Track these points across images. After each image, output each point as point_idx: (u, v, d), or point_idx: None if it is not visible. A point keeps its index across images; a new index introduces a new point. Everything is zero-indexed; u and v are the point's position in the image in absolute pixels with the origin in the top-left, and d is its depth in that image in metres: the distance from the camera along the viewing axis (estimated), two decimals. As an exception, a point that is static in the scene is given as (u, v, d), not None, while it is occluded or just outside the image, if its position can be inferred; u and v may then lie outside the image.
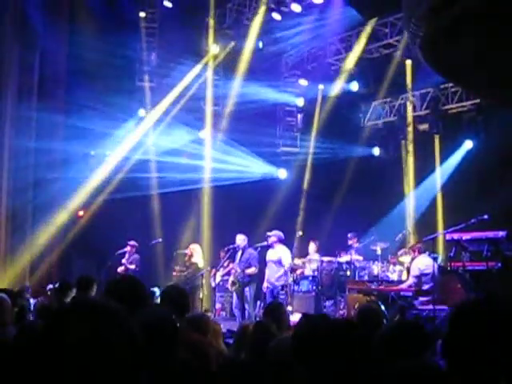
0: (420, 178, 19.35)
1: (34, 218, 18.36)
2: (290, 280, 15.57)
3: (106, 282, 5.34)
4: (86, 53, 17.90)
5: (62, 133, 18.30)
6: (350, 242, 17.36)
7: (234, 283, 15.42)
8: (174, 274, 17.05)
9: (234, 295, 15.55)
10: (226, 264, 16.81)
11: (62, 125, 18.20)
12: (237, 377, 4.08)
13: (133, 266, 17.09)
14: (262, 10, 18.74)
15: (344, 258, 17.03)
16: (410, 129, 19.62)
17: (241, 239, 15.55)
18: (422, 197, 19.23)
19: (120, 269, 17.05)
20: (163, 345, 3.76)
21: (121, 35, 18.45)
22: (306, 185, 20.75)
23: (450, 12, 6.75)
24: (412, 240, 17.21)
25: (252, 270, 15.16)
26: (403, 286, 13.29)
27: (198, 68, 20.34)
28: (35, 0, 17.79)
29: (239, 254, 15.50)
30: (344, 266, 17.04)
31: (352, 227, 17.84)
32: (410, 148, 19.86)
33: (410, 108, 19.49)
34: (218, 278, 17.29)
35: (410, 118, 19.57)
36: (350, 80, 19.74)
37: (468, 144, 18.36)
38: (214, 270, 17.16)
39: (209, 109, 20.66)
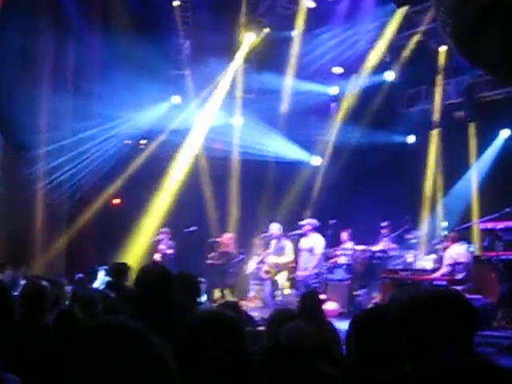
0: (454, 167, 19.14)
1: (71, 205, 18.54)
2: (324, 268, 15.55)
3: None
4: (120, 41, 17.96)
5: (97, 121, 18.43)
6: (383, 231, 17.30)
7: (267, 272, 15.46)
8: (208, 262, 17.10)
9: (268, 283, 15.58)
10: (260, 252, 16.87)
11: (96, 113, 18.30)
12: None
13: (171, 251, 17.22)
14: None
15: (378, 247, 16.99)
16: (438, 116, 19.45)
17: (275, 228, 15.57)
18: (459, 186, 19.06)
19: (156, 255, 17.18)
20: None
21: (154, 24, 18.58)
22: (338, 172, 20.62)
23: (478, 2, 6.69)
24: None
25: (285, 260, 15.18)
26: (436, 274, 13.24)
27: (231, 56, 20.40)
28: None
29: (273, 242, 15.52)
30: (377, 255, 17.00)
31: (385, 216, 17.78)
32: (434, 137, 19.71)
33: (438, 95, 19.28)
34: (253, 266, 17.35)
35: (437, 106, 19.37)
36: (384, 68, 19.64)
37: (505, 133, 18.17)
38: (247, 259, 17.25)
39: (239, 95, 20.70)
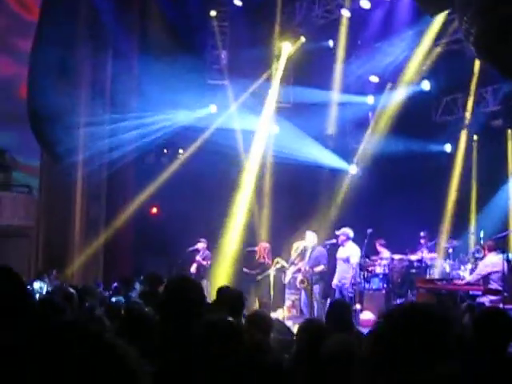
0: (491, 175, 18.95)
1: (108, 213, 18.75)
2: (360, 278, 15.48)
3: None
4: (157, 53, 18.14)
5: (134, 132, 18.64)
6: (422, 240, 17.23)
7: (302, 281, 15.45)
8: (245, 270, 17.11)
9: (303, 292, 15.58)
10: (296, 261, 16.88)
11: (133, 124, 18.50)
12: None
13: (206, 262, 17.28)
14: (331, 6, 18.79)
15: (415, 256, 16.92)
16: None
17: (310, 237, 15.56)
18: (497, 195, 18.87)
19: (193, 266, 17.24)
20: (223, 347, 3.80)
21: (191, 34, 18.71)
22: (375, 181, 20.54)
23: (499, 12, 6.66)
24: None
25: (321, 268, 15.16)
26: (462, 282, 13.15)
27: (268, 66, 20.51)
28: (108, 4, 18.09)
29: (308, 251, 15.50)
30: (415, 264, 16.93)
31: (423, 225, 17.73)
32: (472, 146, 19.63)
33: (470, 104, 19.13)
34: (289, 276, 17.36)
35: (468, 114, 19.25)
36: (420, 77, 19.54)
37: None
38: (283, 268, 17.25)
39: (272, 105, 20.80)
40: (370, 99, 20.91)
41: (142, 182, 18.98)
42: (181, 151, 20.60)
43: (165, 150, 20.58)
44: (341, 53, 19.91)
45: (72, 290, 8.18)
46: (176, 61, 18.01)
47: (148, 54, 18.18)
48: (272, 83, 20.65)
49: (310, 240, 15.53)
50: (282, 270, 16.80)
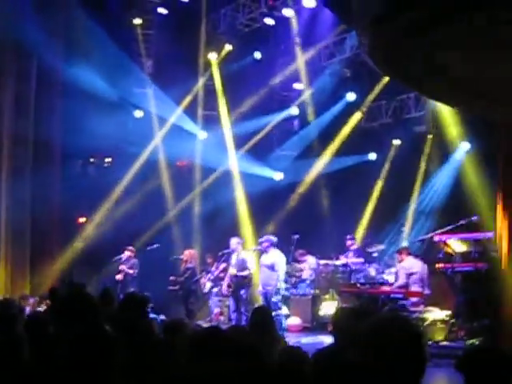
0: (412, 180, 19.35)
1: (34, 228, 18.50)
2: (284, 285, 15.50)
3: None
4: (82, 60, 18.05)
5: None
6: (347, 245, 17.40)
7: (229, 286, 15.50)
8: (171, 278, 16.99)
9: (231, 299, 15.59)
10: (215, 268, 17.04)
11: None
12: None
13: (132, 271, 17.11)
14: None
15: (340, 261, 17.09)
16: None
17: (234, 242, 15.57)
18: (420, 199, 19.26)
19: (118, 275, 17.08)
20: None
21: (116, 42, 18.63)
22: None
23: (393, 24, 6.81)
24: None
25: (246, 273, 15.18)
26: (392, 287, 13.35)
27: (194, 74, 20.64)
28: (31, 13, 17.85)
29: (234, 256, 15.53)
30: (340, 269, 17.11)
31: (348, 229, 17.99)
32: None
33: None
34: (208, 285, 17.40)
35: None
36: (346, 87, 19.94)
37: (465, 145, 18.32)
38: (203, 278, 17.28)
39: (200, 113, 20.95)
40: (294, 110, 21.18)
41: (68, 191, 18.76)
42: (107, 160, 20.47)
43: (91, 159, 20.42)
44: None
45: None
46: (101, 70, 18.01)
47: (73, 65, 18.05)
48: (198, 91, 20.81)
49: (234, 245, 15.54)
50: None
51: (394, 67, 8.52)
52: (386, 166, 20.13)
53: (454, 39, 7.44)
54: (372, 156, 20.70)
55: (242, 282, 15.12)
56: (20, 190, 17.84)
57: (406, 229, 18.65)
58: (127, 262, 17.16)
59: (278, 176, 21.18)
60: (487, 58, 8.01)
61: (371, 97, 19.94)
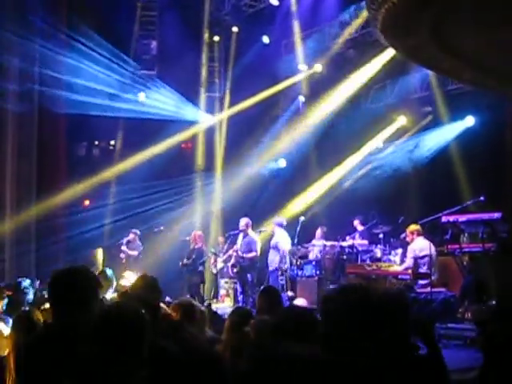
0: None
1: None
2: (286, 265, 15.51)
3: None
4: (85, 42, 17.98)
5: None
6: (355, 226, 17.38)
7: (234, 266, 15.51)
8: (181, 263, 17.02)
9: (238, 281, 15.61)
10: (226, 249, 16.98)
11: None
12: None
13: (135, 253, 17.21)
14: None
15: (347, 242, 17.05)
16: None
17: (242, 223, 15.60)
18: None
19: (122, 255, 17.19)
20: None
21: (120, 24, 18.57)
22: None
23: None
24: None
25: (252, 255, 15.21)
26: (400, 268, 13.31)
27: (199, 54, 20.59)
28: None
29: (240, 237, 15.53)
30: (347, 250, 17.07)
31: (354, 211, 17.94)
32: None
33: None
34: (220, 265, 17.41)
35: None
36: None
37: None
38: (214, 257, 17.27)
39: (203, 95, 20.93)
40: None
41: (74, 174, 18.75)
42: (112, 142, 20.44)
43: (96, 142, 20.39)
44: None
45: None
46: (104, 52, 17.95)
47: (76, 45, 17.98)
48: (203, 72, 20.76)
49: (241, 226, 15.54)
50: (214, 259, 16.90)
51: (405, 42, 8.45)
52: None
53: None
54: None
55: (247, 265, 15.14)
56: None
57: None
58: (131, 244, 17.27)
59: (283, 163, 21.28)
60: (496, 31, 7.94)
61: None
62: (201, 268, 16.60)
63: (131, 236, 17.47)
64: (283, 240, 15.17)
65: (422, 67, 15.84)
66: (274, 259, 15.18)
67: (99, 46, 18.02)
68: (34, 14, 17.72)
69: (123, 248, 17.44)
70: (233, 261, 15.64)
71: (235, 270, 15.49)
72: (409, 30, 7.60)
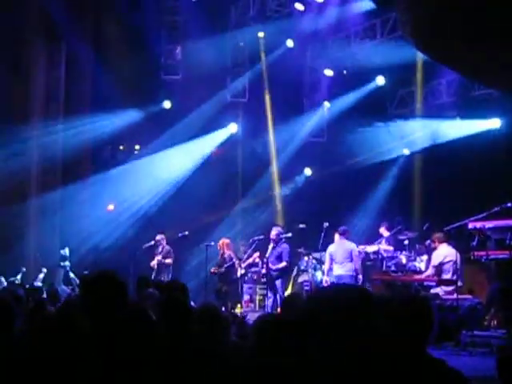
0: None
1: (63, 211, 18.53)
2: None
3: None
4: (110, 49, 18.07)
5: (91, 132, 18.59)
6: (381, 232, 17.25)
7: (263, 276, 15.51)
8: (212, 270, 16.93)
9: (268, 287, 15.57)
10: (248, 255, 16.97)
11: (88, 123, 18.41)
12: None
13: (169, 261, 17.06)
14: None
15: (372, 248, 16.93)
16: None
17: (273, 232, 15.55)
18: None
19: (153, 262, 17.05)
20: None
21: (144, 30, 18.64)
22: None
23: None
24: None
25: (282, 265, 15.17)
26: (422, 276, 13.21)
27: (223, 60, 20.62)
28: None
29: (271, 246, 15.48)
30: (371, 256, 16.95)
31: (380, 217, 17.87)
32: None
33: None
34: (239, 272, 17.34)
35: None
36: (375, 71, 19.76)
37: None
38: (238, 262, 17.20)
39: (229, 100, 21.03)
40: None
41: (98, 178, 18.83)
42: (137, 147, 20.49)
43: (120, 147, 20.44)
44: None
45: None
46: (129, 57, 18.02)
47: (101, 52, 18.09)
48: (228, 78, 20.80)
49: (271, 235, 15.49)
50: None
51: (433, 46, 8.39)
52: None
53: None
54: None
55: (276, 274, 15.12)
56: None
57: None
58: (161, 250, 17.09)
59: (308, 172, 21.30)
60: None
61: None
62: (234, 276, 16.60)
63: (157, 241, 17.29)
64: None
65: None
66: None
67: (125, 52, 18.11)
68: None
69: (158, 257, 17.07)
70: (264, 271, 15.60)
71: (264, 280, 15.51)
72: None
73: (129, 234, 19.02)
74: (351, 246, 15.16)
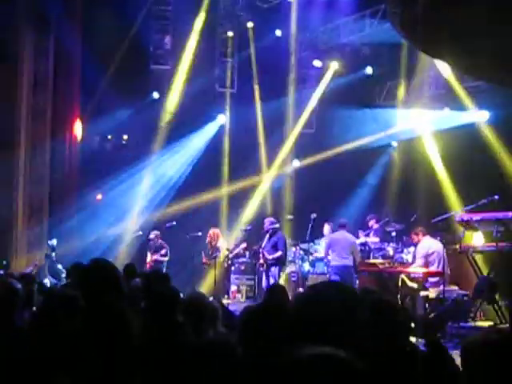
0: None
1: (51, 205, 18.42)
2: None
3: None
4: (99, 37, 17.97)
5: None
6: (369, 224, 17.27)
7: (262, 265, 15.55)
8: (203, 260, 16.96)
9: (264, 275, 15.61)
10: (235, 246, 17.05)
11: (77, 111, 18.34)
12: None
13: (166, 258, 17.12)
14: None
15: (359, 240, 16.96)
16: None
17: (267, 222, 15.63)
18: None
19: (149, 259, 17.09)
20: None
21: (133, 18, 18.56)
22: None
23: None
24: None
25: (278, 254, 15.25)
26: (410, 268, 13.24)
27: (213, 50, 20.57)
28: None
29: (267, 236, 15.51)
30: (358, 248, 17.00)
31: (367, 209, 17.90)
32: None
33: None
34: (229, 261, 17.37)
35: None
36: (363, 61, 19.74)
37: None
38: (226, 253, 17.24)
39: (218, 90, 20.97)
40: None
41: (86, 168, 18.71)
42: (125, 137, 20.42)
43: (109, 137, 20.35)
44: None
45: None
46: (118, 47, 17.96)
47: (90, 42, 18.00)
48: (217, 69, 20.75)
49: (267, 225, 15.55)
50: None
51: (425, 38, 8.39)
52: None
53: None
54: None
55: (272, 262, 15.19)
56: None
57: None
58: (154, 246, 17.11)
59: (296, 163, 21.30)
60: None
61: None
62: (226, 265, 16.68)
63: (152, 236, 17.32)
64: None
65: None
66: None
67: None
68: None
69: (155, 257, 17.13)
70: (261, 261, 15.63)
71: (263, 268, 15.56)
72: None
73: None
74: (353, 239, 15.17)
